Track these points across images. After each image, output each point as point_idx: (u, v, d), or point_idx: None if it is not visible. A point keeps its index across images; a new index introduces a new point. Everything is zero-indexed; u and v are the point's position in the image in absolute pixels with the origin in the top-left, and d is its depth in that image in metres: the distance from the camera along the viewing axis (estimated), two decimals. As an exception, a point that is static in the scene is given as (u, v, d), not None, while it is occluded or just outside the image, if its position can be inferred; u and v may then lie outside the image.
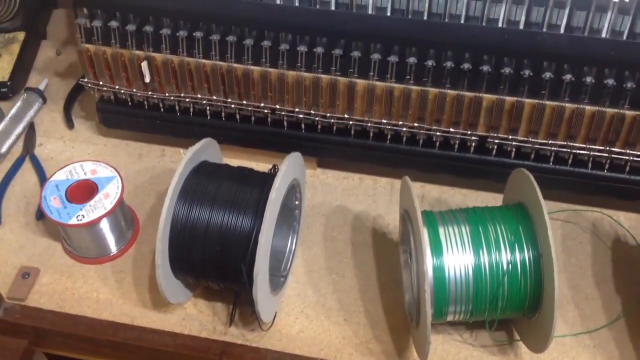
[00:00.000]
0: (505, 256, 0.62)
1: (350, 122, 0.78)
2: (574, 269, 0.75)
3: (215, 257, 0.66)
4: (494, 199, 0.81)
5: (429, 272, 0.62)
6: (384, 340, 0.70)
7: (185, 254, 0.67)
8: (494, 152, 0.76)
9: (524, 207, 0.65)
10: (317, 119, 0.78)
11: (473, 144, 0.76)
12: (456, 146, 0.77)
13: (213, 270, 0.67)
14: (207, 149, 0.73)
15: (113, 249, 0.77)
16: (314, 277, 0.75)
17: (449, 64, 0.71)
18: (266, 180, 0.67)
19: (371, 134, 0.78)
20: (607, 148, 0.72)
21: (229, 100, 0.79)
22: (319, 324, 0.71)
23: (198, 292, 0.73)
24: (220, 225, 0.66)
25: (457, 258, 0.62)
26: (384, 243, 0.78)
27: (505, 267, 0.62)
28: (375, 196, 0.83)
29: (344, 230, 0.79)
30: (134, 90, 0.81)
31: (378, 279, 0.75)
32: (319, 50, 0.73)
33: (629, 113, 0.69)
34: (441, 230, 0.64)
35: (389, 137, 0.78)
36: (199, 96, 0.80)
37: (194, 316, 0.71)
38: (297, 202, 0.76)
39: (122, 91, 0.82)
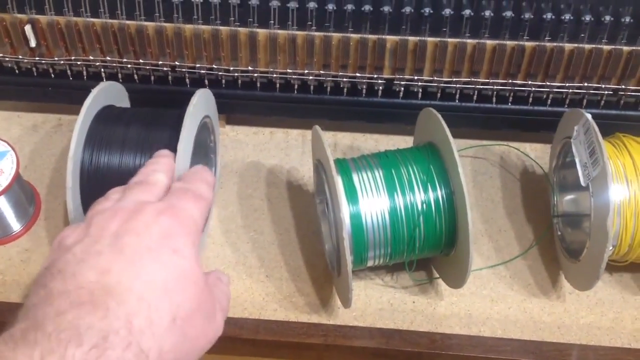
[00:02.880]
0: (419, 196, 0.62)
1: (255, 75, 0.75)
2: (486, 203, 0.76)
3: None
4: (405, 142, 0.81)
5: (346, 220, 0.61)
6: (307, 292, 0.69)
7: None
8: (402, 94, 0.75)
9: (434, 146, 0.65)
10: (220, 73, 0.75)
11: (380, 88, 0.75)
12: (364, 91, 0.76)
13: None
14: (111, 93, 0.69)
15: (15, 227, 0.73)
16: (232, 237, 0.73)
17: (349, 7, 0.69)
18: (177, 118, 0.64)
19: (277, 85, 0.76)
20: (510, 81, 0.73)
21: (124, 60, 0.75)
22: (240, 283, 0.70)
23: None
24: (133, 169, 0.62)
25: (372, 203, 0.62)
26: (300, 195, 0.77)
27: (419, 207, 0.62)
28: (287, 149, 0.81)
29: (259, 187, 0.78)
30: (20, 57, 0.76)
31: (297, 232, 0.74)
32: (215, 0, 0.70)
33: (528, 44, 0.70)
34: (355, 177, 0.63)
35: (296, 87, 0.76)
36: (91, 58, 0.75)
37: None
38: (211, 145, 0.73)
39: (7, 59, 0.76)
